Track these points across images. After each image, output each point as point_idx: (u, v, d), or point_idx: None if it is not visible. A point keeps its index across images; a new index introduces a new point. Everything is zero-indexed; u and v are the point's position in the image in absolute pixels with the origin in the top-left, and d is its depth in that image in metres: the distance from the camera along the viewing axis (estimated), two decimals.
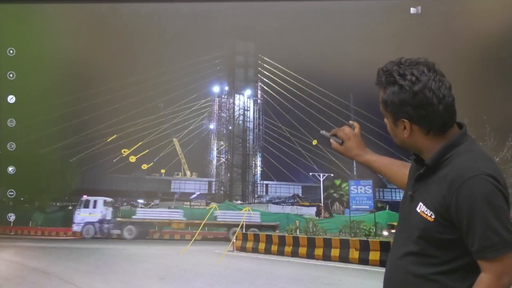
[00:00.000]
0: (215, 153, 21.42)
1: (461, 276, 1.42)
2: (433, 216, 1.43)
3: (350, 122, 1.94)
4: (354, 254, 9.01)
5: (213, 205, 16.16)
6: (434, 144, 1.48)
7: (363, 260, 8.80)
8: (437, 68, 1.46)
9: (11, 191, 6.98)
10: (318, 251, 9.61)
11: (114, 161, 17.91)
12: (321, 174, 18.28)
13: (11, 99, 5.66)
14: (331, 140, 1.89)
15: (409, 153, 1.68)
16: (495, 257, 1.35)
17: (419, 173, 1.51)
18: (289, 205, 18.57)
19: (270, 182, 20.93)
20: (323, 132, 1.95)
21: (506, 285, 1.37)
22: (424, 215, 1.45)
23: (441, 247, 1.43)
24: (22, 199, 15.09)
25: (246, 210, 15.02)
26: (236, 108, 20.89)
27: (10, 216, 9.95)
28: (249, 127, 21.07)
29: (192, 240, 13.57)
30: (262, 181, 21.08)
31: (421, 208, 1.47)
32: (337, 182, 18.88)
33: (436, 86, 1.43)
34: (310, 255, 9.68)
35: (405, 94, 1.45)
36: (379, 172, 1.88)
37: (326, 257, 9.42)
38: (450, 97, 1.45)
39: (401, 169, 1.82)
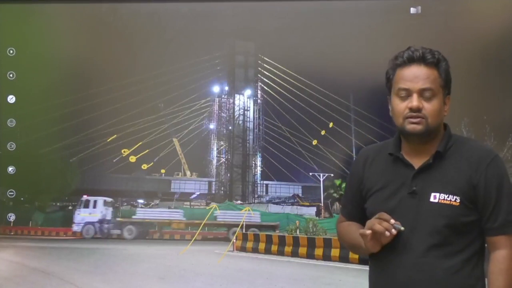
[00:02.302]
0: (215, 153, 21.41)
1: (475, 262, 1.49)
2: (458, 200, 1.45)
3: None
4: (354, 254, 9.00)
5: (213, 205, 16.14)
6: (441, 129, 1.56)
7: (363, 260, 8.79)
8: None
9: (11, 191, 6.97)
10: (318, 251, 9.61)
11: (114, 161, 17.87)
12: (321, 174, 18.26)
13: (11, 99, 5.66)
14: (393, 231, 1.49)
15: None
16: None
17: (425, 165, 1.52)
18: (289, 205, 18.56)
19: (270, 182, 20.90)
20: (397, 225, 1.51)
21: None
22: (448, 202, 1.46)
23: (462, 233, 1.48)
24: (22, 199, 15.09)
25: (246, 210, 15.01)
26: (236, 108, 20.88)
27: (10, 216, 9.94)
28: (249, 127, 21.05)
29: (192, 240, 13.55)
30: (262, 181, 21.07)
31: (438, 197, 1.47)
32: (337, 182, 18.85)
33: None
34: (310, 255, 9.68)
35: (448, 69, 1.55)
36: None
37: (326, 257, 9.42)
38: None
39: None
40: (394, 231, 1.48)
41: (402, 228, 1.49)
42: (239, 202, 19.87)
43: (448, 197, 1.45)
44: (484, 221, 1.44)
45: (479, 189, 1.42)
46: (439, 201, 1.46)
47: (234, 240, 11.41)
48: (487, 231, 1.44)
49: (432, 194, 1.47)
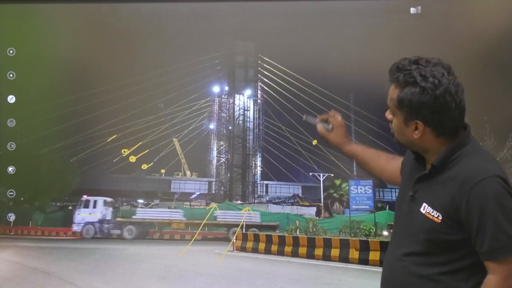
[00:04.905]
0: (215, 153, 21.42)
1: (465, 276, 1.41)
2: (440, 218, 1.41)
3: (332, 110, 1.90)
4: (354, 254, 9.00)
5: (213, 205, 16.15)
6: (443, 146, 1.46)
7: (363, 260, 8.80)
8: (452, 70, 1.43)
9: (11, 191, 6.98)
10: (318, 251, 9.60)
11: (114, 161, 17.91)
12: (321, 174, 18.28)
13: (11, 99, 5.66)
14: (319, 126, 1.85)
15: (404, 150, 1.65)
16: (504, 258, 1.34)
17: (422, 174, 1.49)
18: (289, 205, 18.57)
19: (270, 182, 20.92)
20: (307, 118, 1.88)
21: None
22: (430, 216, 1.43)
23: (446, 248, 1.42)
24: (22, 199, 15.10)
25: (246, 210, 15.01)
26: (236, 108, 20.90)
27: (10, 216, 9.97)
28: (249, 127, 21.08)
29: (192, 240, 13.55)
30: (262, 181, 21.08)
31: (426, 209, 1.45)
32: (337, 182, 18.87)
33: (454, 90, 1.40)
34: (310, 255, 9.67)
35: (426, 97, 1.40)
36: (365, 163, 1.85)
37: (326, 257, 9.41)
38: (464, 101, 1.42)
39: (390, 162, 1.79)
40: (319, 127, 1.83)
41: (315, 119, 1.84)
42: (239, 202, 19.87)
43: (432, 212, 1.42)
44: (472, 244, 1.41)
45: (461, 212, 1.37)
46: (425, 213, 1.44)
47: (234, 240, 11.40)
48: (477, 253, 1.41)
49: (423, 204, 1.46)
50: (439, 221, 1.41)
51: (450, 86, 1.38)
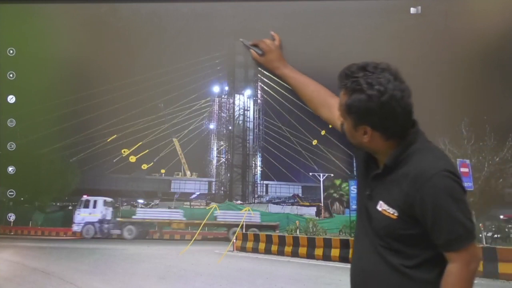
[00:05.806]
0: (215, 153, 21.44)
1: (428, 268, 1.52)
2: (396, 214, 1.49)
3: (272, 33, 2.08)
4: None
5: (213, 205, 16.16)
6: (392, 146, 1.55)
7: None
8: (399, 75, 1.50)
9: (11, 191, 6.98)
10: (318, 251, 9.61)
11: (114, 161, 17.88)
12: (321, 174, 18.26)
13: (11, 99, 5.68)
14: (251, 51, 2.03)
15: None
16: (462, 248, 1.44)
17: (376, 173, 1.57)
18: (289, 205, 18.58)
19: (270, 182, 20.89)
20: (242, 40, 2.03)
21: (474, 270, 1.48)
22: (387, 213, 1.51)
23: (405, 243, 1.52)
24: (22, 199, 15.08)
25: (246, 210, 15.02)
26: (236, 108, 20.89)
27: (10, 216, 9.94)
28: (249, 127, 21.07)
29: (192, 240, 13.55)
30: (262, 181, 21.09)
31: (382, 206, 1.52)
32: (337, 182, 18.86)
33: (400, 96, 1.48)
34: (310, 255, 9.67)
35: (372, 104, 1.49)
36: (295, 90, 1.98)
37: (326, 257, 9.41)
38: (411, 105, 1.51)
39: (315, 94, 1.93)
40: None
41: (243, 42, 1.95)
42: (239, 202, 19.87)
43: (388, 209, 1.53)
44: (430, 236, 1.47)
45: (415, 208, 1.47)
46: (382, 211, 1.54)
47: (234, 240, 11.41)
48: (435, 245, 1.47)
49: (379, 202, 1.56)
50: (395, 217, 1.49)
51: (395, 92, 1.47)
